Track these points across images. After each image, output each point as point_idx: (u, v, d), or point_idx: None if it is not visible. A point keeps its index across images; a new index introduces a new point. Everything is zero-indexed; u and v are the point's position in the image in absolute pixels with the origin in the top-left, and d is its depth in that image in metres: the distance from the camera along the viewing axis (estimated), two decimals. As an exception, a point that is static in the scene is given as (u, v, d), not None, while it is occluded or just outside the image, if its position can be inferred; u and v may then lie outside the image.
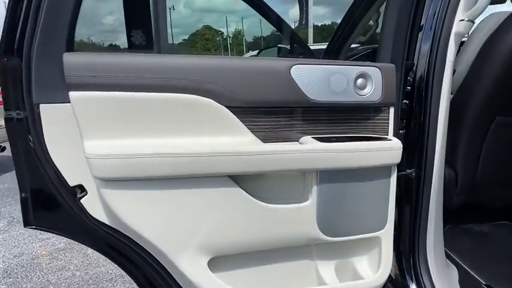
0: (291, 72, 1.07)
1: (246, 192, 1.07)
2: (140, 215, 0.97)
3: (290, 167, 1.05)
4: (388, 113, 1.23)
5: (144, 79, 0.94)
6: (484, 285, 1.47)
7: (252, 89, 1.05)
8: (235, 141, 1.04)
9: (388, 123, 1.24)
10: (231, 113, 1.04)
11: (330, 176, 1.13)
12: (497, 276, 1.50)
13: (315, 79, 1.09)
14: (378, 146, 1.14)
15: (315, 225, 1.15)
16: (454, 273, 1.55)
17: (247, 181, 1.08)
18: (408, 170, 1.42)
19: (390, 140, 1.19)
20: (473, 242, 1.74)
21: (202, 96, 0.99)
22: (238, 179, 1.06)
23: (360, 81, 1.14)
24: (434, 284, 1.44)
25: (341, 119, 1.18)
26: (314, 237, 1.16)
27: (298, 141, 1.14)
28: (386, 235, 1.27)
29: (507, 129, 1.52)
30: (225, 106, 1.03)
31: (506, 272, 1.53)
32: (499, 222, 1.92)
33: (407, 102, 1.36)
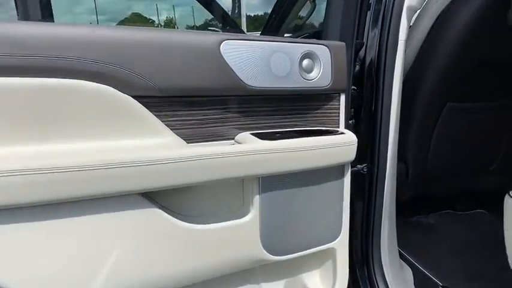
0: (221, 49, 0.81)
1: (167, 211, 0.79)
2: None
3: (224, 175, 0.80)
4: (339, 100, 1.03)
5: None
6: (442, 286, 1.36)
7: (170, 73, 0.78)
8: (148, 144, 0.77)
9: (338, 112, 1.04)
10: (141, 106, 0.76)
11: (274, 181, 0.90)
12: (452, 274, 1.40)
13: (251, 59, 0.85)
14: (331, 142, 0.93)
15: (259, 244, 0.91)
16: (409, 274, 1.42)
17: (168, 196, 0.81)
18: (359, 166, 1.25)
19: (343, 133, 0.99)
20: (423, 237, 1.64)
21: (94, 81, 0.70)
22: (154, 195, 0.79)
23: (306, 62, 0.93)
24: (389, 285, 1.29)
25: (285, 109, 0.96)
26: (258, 258, 0.92)
27: (233, 139, 0.89)
28: (341, 245, 1.08)
29: (458, 116, 1.42)
30: (131, 96, 0.75)
31: (460, 269, 1.44)
32: (444, 211, 1.86)
33: (355, 88, 1.18)
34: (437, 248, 1.56)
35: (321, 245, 1.04)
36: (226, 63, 0.82)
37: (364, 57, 1.16)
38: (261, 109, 0.91)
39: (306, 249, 1.01)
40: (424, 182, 1.54)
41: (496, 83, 1.39)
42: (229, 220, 0.86)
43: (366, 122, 1.21)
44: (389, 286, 1.29)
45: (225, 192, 0.89)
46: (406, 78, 1.31)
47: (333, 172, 1.01)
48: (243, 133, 0.89)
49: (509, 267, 1.06)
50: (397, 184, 1.31)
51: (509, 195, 1.06)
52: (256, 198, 0.88)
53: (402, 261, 1.48)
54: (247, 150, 0.81)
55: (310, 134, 0.95)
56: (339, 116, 1.04)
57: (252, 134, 0.88)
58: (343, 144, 0.96)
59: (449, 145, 1.49)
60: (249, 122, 0.90)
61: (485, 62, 1.30)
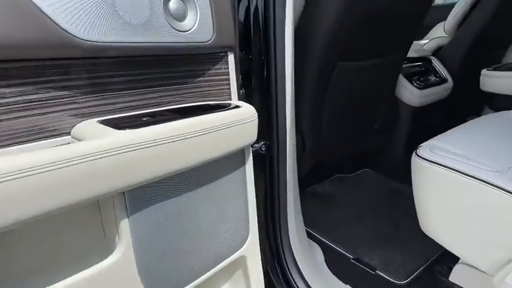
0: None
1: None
2: None
3: (55, 203, 0.45)
4: (227, 62, 0.75)
5: None
6: (353, 259, 1.26)
7: None
8: None
9: (228, 79, 0.76)
10: None
11: (149, 192, 0.59)
12: (359, 243, 1.32)
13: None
14: (226, 120, 0.66)
15: (140, 286, 0.60)
16: (320, 255, 1.28)
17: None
18: (256, 145, 1.02)
19: (238, 106, 0.72)
20: (322, 207, 1.53)
21: None
22: None
23: (174, 4, 0.61)
24: (307, 280, 1.13)
25: (150, 78, 0.64)
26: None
27: (69, 134, 0.54)
28: (252, 249, 0.84)
29: (349, 77, 1.29)
30: None
31: (366, 236, 1.36)
32: (335, 176, 1.80)
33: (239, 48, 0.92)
34: (339, 217, 1.47)
35: (226, 259, 0.78)
36: (35, 4, 0.45)
37: (248, 6, 0.90)
38: (111, 80, 0.57)
39: (207, 271, 0.73)
40: (320, 151, 1.40)
41: (382, 39, 1.30)
42: (83, 269, 0.52)
43: (258, 91, 0.97)
44: (304, 275, 1.12)
45: (67, 227, 0.53)
46: (296, 31, 1.10)
47: (231, 161, 0.75)
48: (84, 122, 0.54)
49: (416, 228, 0.99)
50: (296, 159, 1.13)
51: (417, 154, 0.96)
52: (124, 224, 0.55)
53: (310, 240, 1.34)
54: (94, 150, 0.47)
55: (193, 112, 0.65)
56: (229, 84, 0.76)
57: (101, 121, 0.54)
58: (242, 121, 0.69)
59: (341, 109, 1.38)
60: (93, 104, 0.56)
61: (369, 18, 1.18)
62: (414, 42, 2.07)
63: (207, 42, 0.66)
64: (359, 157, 1.89)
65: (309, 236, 1.37)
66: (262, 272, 0.89)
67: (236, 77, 0.78)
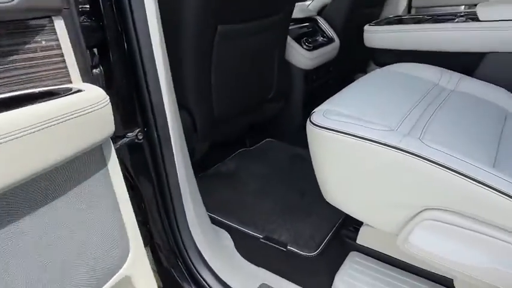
0: None
1: None
2: None
3: None
4: (55, 32, 0.55)
5: None
6: (262, 238, 1.18)
7: None
8: None
9: (62, 55, 0.57)
10: None
11: None
12: (268, 220, 1.25)
13: None
14: (62, 111, 0.48)
15: None
16: (228, 241, 1.18)
17: None
18: (130, 134, 0.85)
19: (80, 90, 0.54)
20: (227, 188, 1.42)
21: None
22: None
23: None
24: (216, 272, 1.02)
25: None
26: None
27: None
28: (137, 265, 0.69)
29: (232, 42, 1.16)
30: None
31: (273, 211, 1.30)
32: (238, 151, 1.70)
33: (89, 17, 0.72)
34: (244, 195, 1.38)
35: (104, 285, 0.62)
36: None
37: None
38: None
39: None
40: (212, 129, 1.27)
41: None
42: None
43: (120, 67, 0.78)
44: (215, 271, 1.01)
45: None
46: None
47: (84, 165, 0.57)
48: None
49: (321, 194, 0.94)
50: (186, 141, 0.98)
51: (311, 121, 0.89)
52: None
53: (216, 226, 1.23)
54: None
55: (9, 106, 0.46)
56: (64, 61, 0.57)
57: None
58: (87, 108, 0.52)
59: (231, 79, 1.25)
60: None
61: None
62: (300, 2, 2.03)
63: (9, 3, 0.46)
64: (260, 128, 1.82)
65: (215, 222, 1.26)
66: (156, 285, 0.75)
67: (78, 52, 0.59)
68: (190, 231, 1.02)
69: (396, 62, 1.34)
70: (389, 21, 1.51)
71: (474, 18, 1.32)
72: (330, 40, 1.85)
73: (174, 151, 0.91)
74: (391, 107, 0.95)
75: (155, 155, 0.89)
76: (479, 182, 0.71)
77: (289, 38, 1.62)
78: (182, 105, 1.16)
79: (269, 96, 1.54)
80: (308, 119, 0.91)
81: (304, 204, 1.33)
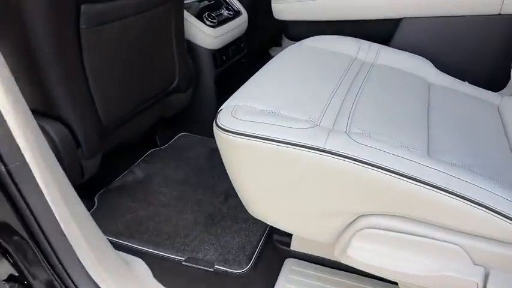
0: None
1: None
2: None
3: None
4: None
5: None
6: (184, 261, 1.00)
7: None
8: None
9: None
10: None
11: None
12: (187, 238, 1.06)
13: None
14: None
15: None
16: (142, 269, 0.98)
17: None
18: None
19: None
20: (137, 203, 1.20)
21: None
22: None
23: None
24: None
25: None
26: None
27: None
28: None
29: (107, 27, 0.90)
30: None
31: (195, 226, 1.11)
32: (146, 154, 1.47)
33: None
34: (159, 208, 1.17)
35: None
36: None
37: None
38: None
39: None
40: (103, 139, 1.03)
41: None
42: None
43: None
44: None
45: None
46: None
47: None
48: None
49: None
50: (69, 160, 0.75)
51: (217, 124, 0.70)
52: None
53: (128, 255, 1.01)
54: None
55: None
56: None
57: None
58: None
59: (116, 74, 1.00)
60: None
61: None
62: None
63: None
64: (171, 122, 1.59)
65: (125, 249, 1.04)
66: None
67: None
68: (90, 277, 0.81)
69: (310, 35, 1.19)
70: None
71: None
72: (237, 13, 1.65)
73: (40, 183, 0.67)
74: (310, 93, 0.80)
75: (10, 197, 0.65)
76: (414, 180, 0.60)
77: (187, 15, 1.40)
78: (53, 115, 0.90)
79: (172, 86, 1.31)
80: (214, 121, 0.73)
81: (229, 208, 1.16)
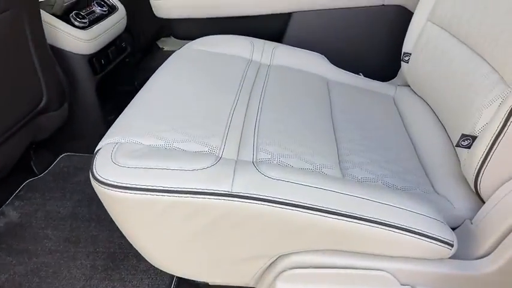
0: None
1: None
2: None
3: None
4: None
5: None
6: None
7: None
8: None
9: None
10: None
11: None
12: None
13: None
14: None
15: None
16: None
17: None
18: None
19: None
20: (9, 265, 0.98)
21: None
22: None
23: None
24: None
25: None
26: None
27: None
28: None
29: None
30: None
31: (92, 279, 0.94)
32: (22, 186, 1.22)
33: None
34: (47, 255, 0.97)
35: None
36: None
37: None
38: None
39: None
40: None
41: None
42: None
43: None
44: None
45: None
46: None
47: None
48: None
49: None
50: None
51: (93, 175, 0.56)
52: None
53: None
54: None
55: None
56: None
57: None
58: None
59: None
60: None
61: None
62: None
63: None
64: (49, 142, 1.34)
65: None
66: None
67: None
68: None
69: (198, 33, 1.07)
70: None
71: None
72: (112, 9, 1.43)
73: None
74: (206, 112, 0.70)
75: None
76: (333, 213, 0.54)
77: (48, 16, 1.16)
78: None
79: (40, 106, 1.09)
80: (90, 171, 0.58)
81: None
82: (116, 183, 0.53)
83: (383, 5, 1.08)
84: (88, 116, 1.35)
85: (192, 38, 1.07)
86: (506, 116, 0.54)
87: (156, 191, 0.53)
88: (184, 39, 1.21)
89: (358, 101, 0.92)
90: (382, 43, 1.12)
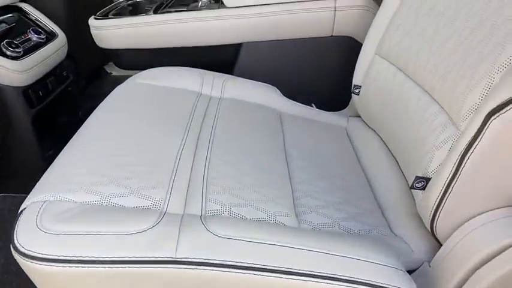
0: None
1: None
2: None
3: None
4: None
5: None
6: None
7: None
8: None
9: None
10: None
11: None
12: None
13: None
14: None
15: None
16: None
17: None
18: None
19: None
20: None
21: None
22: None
23: None
24: None
25: None
26: None
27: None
28: None
29: None
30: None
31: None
32: None
33: None
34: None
35: None
36: None
37: None
38: None
39: None
40: None
41: None
42: None
43: None
44: None
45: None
46: None
47: None
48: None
49: None
50: None
51: (15, 246, 0.48)
52: None
53: None
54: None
55: None
56: None
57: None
58: None
59: None
60: None
61: None
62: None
63: None
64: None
65: None
66: None
67: None
68: None
69: (143, 65, 1.01)
70: (120, 11, 1.14)
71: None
72: (51, 36, 1.34)
73: None
74: (150, 158, 0.64)
75: None
76: (292, 274, 0.50)
77: (-26, 47, 1.05)
78: None
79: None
80: (11, 242, 0.49)
81: None
82: (40, 256, 0.46)
83: (332, 35, 1.08)
84: (24, 152, 1.23)
85: (137, 68, 1.01)
86: (458, 160, 0.53)
87: (87, 262, 0.46)
88: (128, 69, 1.14)
89: (311, 135, 0.90)
90: (333, 74, 1.12)
